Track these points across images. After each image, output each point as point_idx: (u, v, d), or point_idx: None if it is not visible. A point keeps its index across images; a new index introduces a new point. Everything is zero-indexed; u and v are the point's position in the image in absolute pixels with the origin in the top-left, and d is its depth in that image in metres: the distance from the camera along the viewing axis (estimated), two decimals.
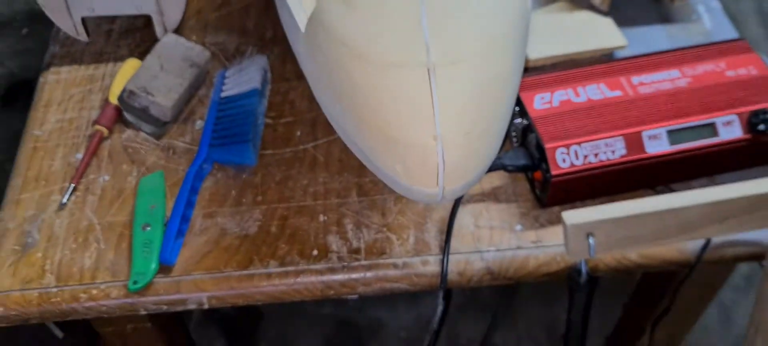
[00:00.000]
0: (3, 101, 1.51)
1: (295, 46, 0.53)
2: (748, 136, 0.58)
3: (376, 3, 0.40)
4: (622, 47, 0.69)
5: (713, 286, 0.73)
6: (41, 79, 0.72)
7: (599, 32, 0.70)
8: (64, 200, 0.61)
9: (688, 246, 0.58)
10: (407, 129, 0.38)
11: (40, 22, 1.68)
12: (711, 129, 0.58)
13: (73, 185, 0.62)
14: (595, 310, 0.60)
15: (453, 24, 0.39)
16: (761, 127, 0.58)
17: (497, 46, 0.40)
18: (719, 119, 0.58)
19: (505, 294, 1.16)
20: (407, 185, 0.40)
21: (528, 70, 0.68)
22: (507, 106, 0.41)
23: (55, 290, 0.56)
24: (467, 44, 0.39)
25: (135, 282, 0.55)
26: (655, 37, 0.73)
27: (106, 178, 0.63)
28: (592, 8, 0.73)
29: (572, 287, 0.58)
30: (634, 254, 0.58)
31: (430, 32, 0.38)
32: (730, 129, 0.58)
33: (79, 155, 0.64)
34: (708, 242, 0.58)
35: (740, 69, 0.61)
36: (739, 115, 0.58)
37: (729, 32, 0.74)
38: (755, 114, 0.58)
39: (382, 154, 0.40)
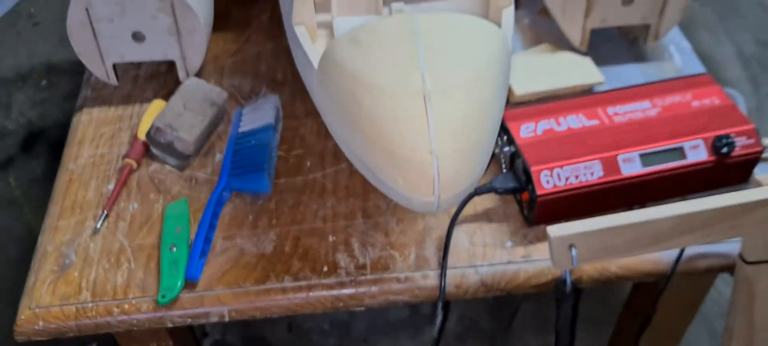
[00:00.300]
0: (22, 148, 1.58)
1: (307, 80, 0.60)
2: (712, 158, 0.65)
3: (380, 42, 0.47)
4: (599, 83, 0.77)
5: (693, 300, 0.78)
6: (75, 120, 0.79)
7: (579, 70, 0.77)
8: (98, 226, 0.67)
9: (664, 259, 0.64)
10: (407, 147, 0.45)
11: (57, 74, 1.77)
12: (679, 152, 0.65)
13: (105, 212, 0.68)
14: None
15: (444, 59, 0.46)
16: (724, 149, 0.64)
17: (482, 77, 0.47)
18: (686, 144, 0.65)
19: (502, 323, 1.21)
20: (408, 195, 0.46)
21: (515, 104, 0.75)
22: (491, 127, 0.48)
23: (90, 305, 0.62)
24: (456, 75, 0.46)
25: (163, 296, 0.61)
26: (630, 74, 0.80)
27: (136, 205, 0.69)
28: (573, 49, 0.80)
29: (559, 297, 0.64)
30: (613, 266, 0.64)
31: (425, 65, 0.45)
32: (697, 152, 0.65)
33: (111, 186, 0.71)
34: (681, 253, 0.64)
35: (705, 99, 0.68)
36: (705, 139, 0.65)
37: (698, 69, 0.81)
38: (718, 138, 0.65)
39: (385, 169, 0.46)
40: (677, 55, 0.84)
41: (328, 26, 0.61)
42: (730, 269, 0.65)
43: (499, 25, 0.59)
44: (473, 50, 0.48)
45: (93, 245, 0.66)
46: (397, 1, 0.64)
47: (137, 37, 0.75)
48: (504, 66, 0.50)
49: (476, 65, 0.47)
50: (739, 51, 1.77)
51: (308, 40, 0.56)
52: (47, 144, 1.58)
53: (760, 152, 0.66)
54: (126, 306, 0.62)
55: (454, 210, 0.65)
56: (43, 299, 0.62)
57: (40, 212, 1.38)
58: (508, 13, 0.58)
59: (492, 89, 0.48)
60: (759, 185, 0.61)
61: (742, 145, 0.65)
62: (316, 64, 0.53)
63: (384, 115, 0.45)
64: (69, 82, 1.75)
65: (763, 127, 1.49)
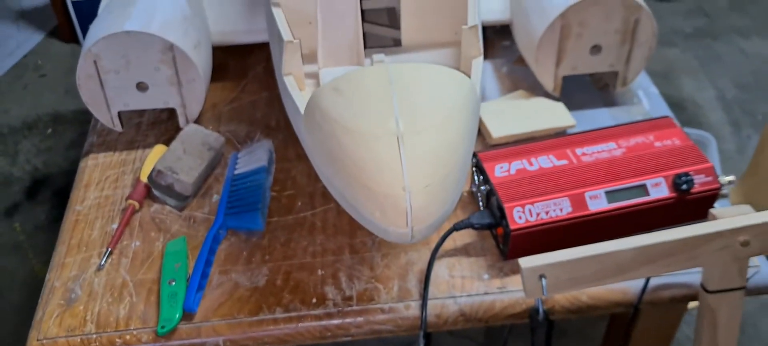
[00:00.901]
0: (28, 195, 1.63)
1: (295, 124, 0.66)
2: (673, 194, 0.70)
3: (360, 90, 0.53)
4: (571, 127, 0.82)
5: (666, 332, 0.82)
6: (82, 164, 0.84)
7: (552, 115, 0.83)
8: (102, 263, 0.72)
9: (631, 289, 0.69)
10: (383, 183, 0.50)
11: (62, 123, 1.84)
12: (642, 189, 0.70)
13: (109, 250, 0.73)
14: None
15: (416, 104, 0.52)
16: (684, 186, 0.70)
17: (450, 121, 0.52)
18: (649, 181, 0.70)
19: None
20: (384, 227, 0.51)
21: (493, 146, 0.81)
22: (460, 165, 0.53)
23: (94, 336, 0.66)
24: (427, 119, 0.51)
25: (162, 327, 0.65)
26: (601, 118, 0.86)
27: (138, 243, 0.74)
28: (547, 95, 0.86)
29: (533, 326, 0.68)
30: (584, 296, 0.68)
31: (399, 110, 0.51)
32: (659, 189, 0.70)
33: (115, 225, 0.76)
34: (646, 284, 0.68)
35: (666, 140, 0.74)
36: (666, 177, 0.70)
37: (665, 113, 0.87)
38: (678, 176, 0.70)
39: (364, 204, 0.51)
40: (645, 99, 0.89)
41: (315, 76, 0.67)
42: (693, 298, 0.69)
43: (469, 73, 0.65)
44: (443, 97, 0.53)
45: (97, 280, 0.71)
46: (377, 53, 0.70)
47: (141, 87, 0.81)
48: (471, 110, 0.55)
49: (445, 110, 0.53)
50: (720, 95, 1.83)
51: (296, 89, 0.62)
52: (52, 191, 1.63)
53: (718, 189, 0.71)
54: (127, 337, 0.66)
55: (432, 243, 0.69)
56: (51, 331, 0.66)
57: (44, 257, 1.43)
58: (478, 63, 0.64)
59: (460, 131, 0.53)
60: (715, 218, 0.65)
61: (700, 182, 0.70)
62: (302, 110, 0.58)
63: (362, 156, 0.51)
64: (73, 131, 1.81)
65: (743, 169, 1.54)
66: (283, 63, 0.63)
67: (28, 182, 1.67)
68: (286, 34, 0.63)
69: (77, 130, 1.81)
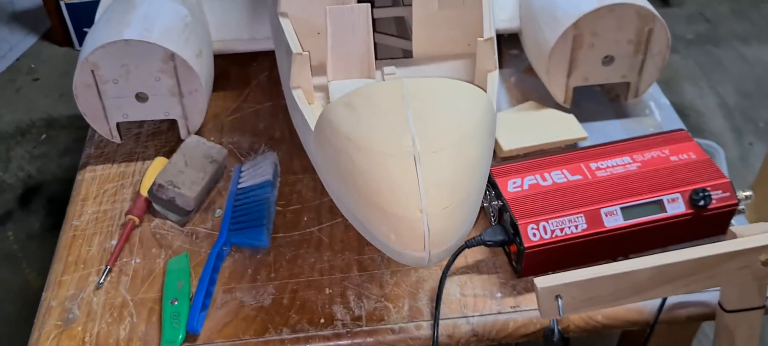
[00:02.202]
0: (21, 203, 1.60)
1: (304, 140, 0.64)
2: (690, 211, 0.68)
3: (373, 106, 0.51)
4: (583, 139, 0.80)
5: None
6: (79, 177, 0.82)
7: (563, 127, 0.81)
8: (101, 281, 0.69)
9: (646, 307, 0.67)
10: (399, 205, 0.48)
11: (56, 128, 1.81)
12: (659, 205, 0.68)
13: (108, 267, 0.70)
14: None
15: (433, 122, 0.50)
16: (701, 203, 0.68)
17: (468, 139, 0.50)
18: (665, 197, 0.68)
19: None
20: (400, 250, 0.49)
21: (503, 158, 0.79)
22: (478, 185, 0.51)
23: None
24: (444, 137, 0.49)
25: None
26: (612, 129, 0.84)
27: (138, 260, 0.72)
28: (558, 106, 0.84)
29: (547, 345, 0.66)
30: (599, 315, 0.67)
31: (415, 128, 0.49)
32: (675, 205, 0.68)
33: (114, 242, 0.73)
34: (663, 302, 0.67)
35: (682, 154, 0.72)
36: (682, 193, 0.68)
37: (677, 124, 0.85)
38: (696, 192, 0.68)
39: (378, 226, 0.49)
40: (657, 110, 0.88)
41: (324, 89, 0.65)
42: (710, 317, 0.67)
43: (484, 87, 0.63)
44: (460, 113, 0.51)
45: (96, 299, 0.68)
46: (388, 65, 0.68)
47: (140, 97, 0.78)
48: (489, 127, 0.53)
49: (463, 127, 0.51)
50: (722, 102, 1.82)
51: (305, 103, 0.60)
52: (45, 198, 1.60)
53: (736, 205, 0.69)
54: None
55: (445, 262, 0.67)
56: None
57: (37, 267, 1.40)
58: (493, 77, 0.62)
59: (478, 150, 0.51)
60: (734, 236, 0.64)
61: (718, 198, 0.68)
62: (312, 126, 0.56)
63: (377, 175, 0.48)
64: (68, 137, 1.78)
65: (746, 177, 1.53)
66: (291, 76, 0.61)
67: (21, 189, 1.64)
68: (294, 46, 0.61)
69: (72, 136, 1.78)
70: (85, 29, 2.00)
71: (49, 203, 1.60)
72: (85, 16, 2.00)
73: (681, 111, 1.79)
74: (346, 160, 0.50)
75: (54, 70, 2.01)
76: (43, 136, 1.78)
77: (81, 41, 2.03)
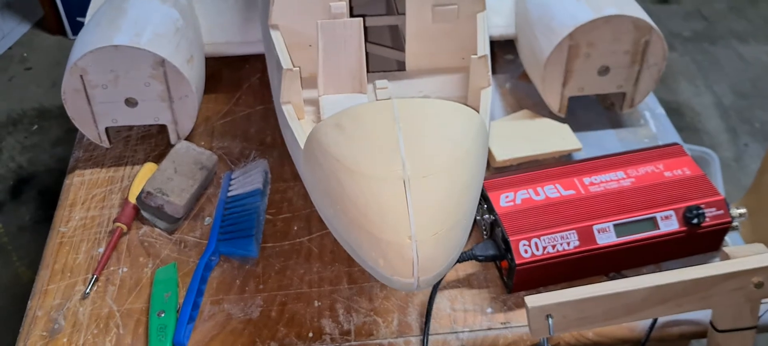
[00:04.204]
0: (12, 194, 1.59)
1: (294, 156, 0.63)
2: (684, 228, 0.67)
3: (363, 127, 0.50)
4: (577, 150, 0.79)
5: None
6: (67, 181, 0.80)
7: (558, 137, 0.80)
8: (87, 290, 0.68)
9: (638, 325, 0.66)
10: (388, 230, 0.47)
11: (49, 119, 1.79)
12: (652, 223, 0.67)
13: (95, 276, 0.69)
14: None
15: (424, 145, 0.49)
16: (694, 220, 0.67)
17: (459, 163, 0.49)
18: (659, 214, 0.68)
19: None
20: (388, 276, 0.48)
21: (496, 169, 0.78)
22: (469, 210, 0.50)
23: None
24: (435, 161, 0.48)
25: None
26: (607, 140, 0.83)
27: (125, 269, 0.71)
28: (552, 116, 0.83)
29: None
30: (590, 333, 0.66)
31: (405, 152, 0.48)
32: (669, 222, 0.67)
33: (101, 249, 0.73)
34: (654, 321, 0.66)
35: (676, 170, 0.71)
36: (676, 210, 0.68)
37: (672, 136, 0.85)
38: (689, 209, 0.67)
39: (367, 250, 0.48)
40: (652, 121, 0.87)
41: (315, 102, 0.64)
42: (702, 335, 0.67)
43: (477, 105, 0.62)
44: (452, 136, 0.50)
45: (82, 309, 0.67)
46: (380, 78, 0.67)
47: (130, 102, 0.77)
48: (481, 149, 0.52)
49: (454, 151, 0.50)
50: (718, 101, 1.82)
51: (295, 120, 0.59)
52: (37, 190, 1.59)
53: (730, 222, 0.69)
54: None
55: None
56: None
57: (28, 260, 1.39)
58: (487, 94, 0.61)
59: (470, 173, 0.50)
60: (728, 257, 0.63)
61: (712, 216, 0.68)
62: (302, 144, 0.55)
63: (366, 199, 0.48)
64: (60, 127, 1.77)
65: (740, 179, 1.53)
66: (281, 92, 0.60)
67: (11, 180, 1.63)
68: (285, 62, 0.60)
69: (64, 127, 1.76)
70: (79, 18, 1.98)
71: (40, 194, 1.59)
72: (77, 5, 1.98)
73: (677, 110, 1.79)
74: (335, 182, 0.49)
75: (46, 59, 1.99)
76: (35, 126, 1.77)
77: (74, 30, 2.02)
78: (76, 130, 0.86)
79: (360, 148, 0.49)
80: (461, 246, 0.51)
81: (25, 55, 2.03)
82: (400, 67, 0.71)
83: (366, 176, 0.48)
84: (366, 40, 0.63)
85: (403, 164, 0.48)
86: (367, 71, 0.63)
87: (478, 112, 0.58)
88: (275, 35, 0.63)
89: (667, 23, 2.09)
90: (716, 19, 2.11)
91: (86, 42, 0.73)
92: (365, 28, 0.63)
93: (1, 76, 1.96)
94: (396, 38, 0.75)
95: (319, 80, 0.62)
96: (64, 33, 2.04)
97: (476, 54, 0.61)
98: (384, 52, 0.72)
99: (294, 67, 0.59)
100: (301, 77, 0.61)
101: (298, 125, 0.58)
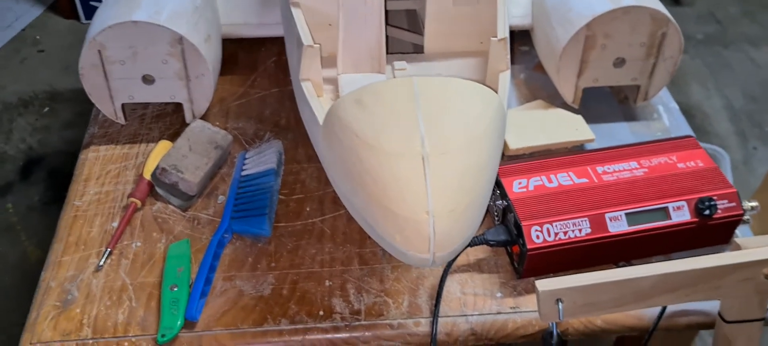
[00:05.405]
0: (22, 175, 1.60)
1: (312, 133, 0.63)
2: (695, 219, 0.68)
3: (383, 104, 0.50)
4: (590, 141, 0.80)
5: None
6: (82, 156, 0.81)
7: (571, 128, 0.81)
8: (101, 263, 0.69)
9: (646, 314, 0.67)
10: (405, 206, 0.47)
11: (60, 101, 1.80)
12: (663, 213, 0.68)
13: (108, 250, 0.70)
14: None
15: (443, 123, 0.49)
16: (706, 212, 0.67)
17: (478, 141, 0.49)
18: (671, 205, 0.68)
19: None
20: (404, 250, 0.49)
21: (509, 157, 0.78)
22: (486, 188, 0.51)
23: (91, 341, 0.64)
24: (454, 139, 0.49)
25: (163, 335, 0.63)
26: (620, 132, 0.84)
27: (139, 244, 0.71)
28: (566, 106, 0.84)
29: None
30: (598, 320, 0.66)
31: (425, 129, 0.48)
32: (680, 213, 0.68)
33: (115, 224, 0.73)
34: (663, 310, 0.66)
35: (689, 162, 0.72)
36: (688, 201, 0.68)
37: (685, 129, 0.85)
38: (701, 201, 0.68)
39: (384, 226, 0.49)
40: (665, 115, 0.87)
41: (334, 81, 0.64)
42: (710, 326, 0.67)
43: (495, 88, 0.62)
44: (470, 115, 0.51)
45: (95, 281, 0.68)
46: (399, 60, 0.67)
47: (147, 79, 0.78)
48: (499, 130, 0.53)
49: (473, 129, 0.50)
50: (728, 104, 1.81)
51: (314, 97, 0.59)
52: (46, 171, 1.60)
53: (741, 215, 0.69)
54: (126, 344, 0.63)
55: None
56: (45, 335, 0.64)
57: (36, 239, 1.40)
58: (505, 78, 0.61)
59: (487, 152, 0.50)
60: (739, 248, 0.63)
61: (723, 208, 0.68)
62: (320, 120, 0.56)
63: (384, 175, 0.48)
64: (70, 110, 1.78)
65: (749, 181, 1.53)
66: (301, 69, 0.60)
67: (22, 160, 1.63)
68: (305, 38, 0.60)
69: (75, 110, 1.77)
70: (92, 2, 1.98)
71: (49, 176, 1.59)
72: None
73: (687, 112, 1.78)
74: (354, 157, 0.50)
75: (59, 43, 2.00)
76: (46, 108, 1.78)
77: (87, 14, 2.02)
78: (87, 113, 0.86)
79: (380, 124, 0.49)
80: (477, 225, 0.51)
81: (37, 37, 2.04)
82: (417, 50, 0.71)
83: (385, 151, 0.48)
84: (386, 24, 0.63)
85: (423, 141, 0.48)
86: (387, 53, 0.63)
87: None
88: (296, 13, 0.63)
89: (680, 25, 2.08)
90: (729, 23, 2.10)
91: (105, 17, 0.74)
92: (386, 12, 0.63)
93: (14, 57, 1.97)
94: (413, 22, 0.75)
95: (339, 58, 0.62)
96: (77, 17, 2.05)
97: (495, 37, 0.62)
98: (402, 34, 0.73)
99: (314, 44, 0.59)
100: (321, 56, 0.61)
101: (317, 102, 0.58)
